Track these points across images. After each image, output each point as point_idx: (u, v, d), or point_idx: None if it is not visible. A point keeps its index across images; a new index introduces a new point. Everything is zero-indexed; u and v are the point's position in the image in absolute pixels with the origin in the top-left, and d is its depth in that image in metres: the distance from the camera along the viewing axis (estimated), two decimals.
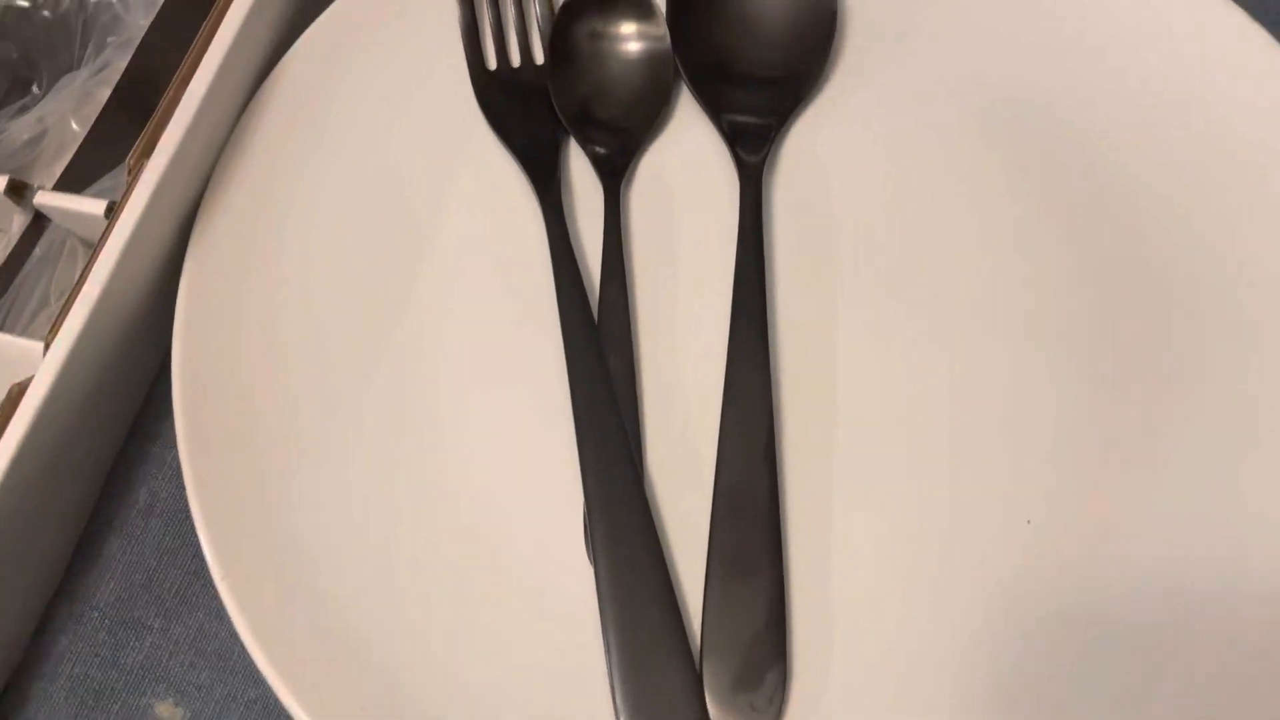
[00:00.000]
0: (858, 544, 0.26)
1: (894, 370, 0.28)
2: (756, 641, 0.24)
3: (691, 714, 0.23)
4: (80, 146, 0.30)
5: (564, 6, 0.32)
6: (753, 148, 0.30)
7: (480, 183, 0.31)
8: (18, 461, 0.24)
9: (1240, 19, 0.31)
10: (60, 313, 0.26)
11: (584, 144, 0.31)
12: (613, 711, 0.23)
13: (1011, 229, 0.30)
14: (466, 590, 0.26)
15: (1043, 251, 0.29)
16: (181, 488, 0.28)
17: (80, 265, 0.29)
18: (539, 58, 0.33)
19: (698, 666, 0.24)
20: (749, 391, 0.26)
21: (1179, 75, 0.31)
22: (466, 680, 0.25)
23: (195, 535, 0.27)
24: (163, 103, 0.28)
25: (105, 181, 0.29)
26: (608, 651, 0.24)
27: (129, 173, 0.27)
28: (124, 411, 0.29)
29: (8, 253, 0.28)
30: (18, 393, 0.25)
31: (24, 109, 0.31)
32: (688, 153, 0.31)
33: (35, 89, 0.31)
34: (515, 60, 0.33)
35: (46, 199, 0.28)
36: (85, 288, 0.26)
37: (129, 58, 0.32)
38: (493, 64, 0.32)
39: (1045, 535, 0.26)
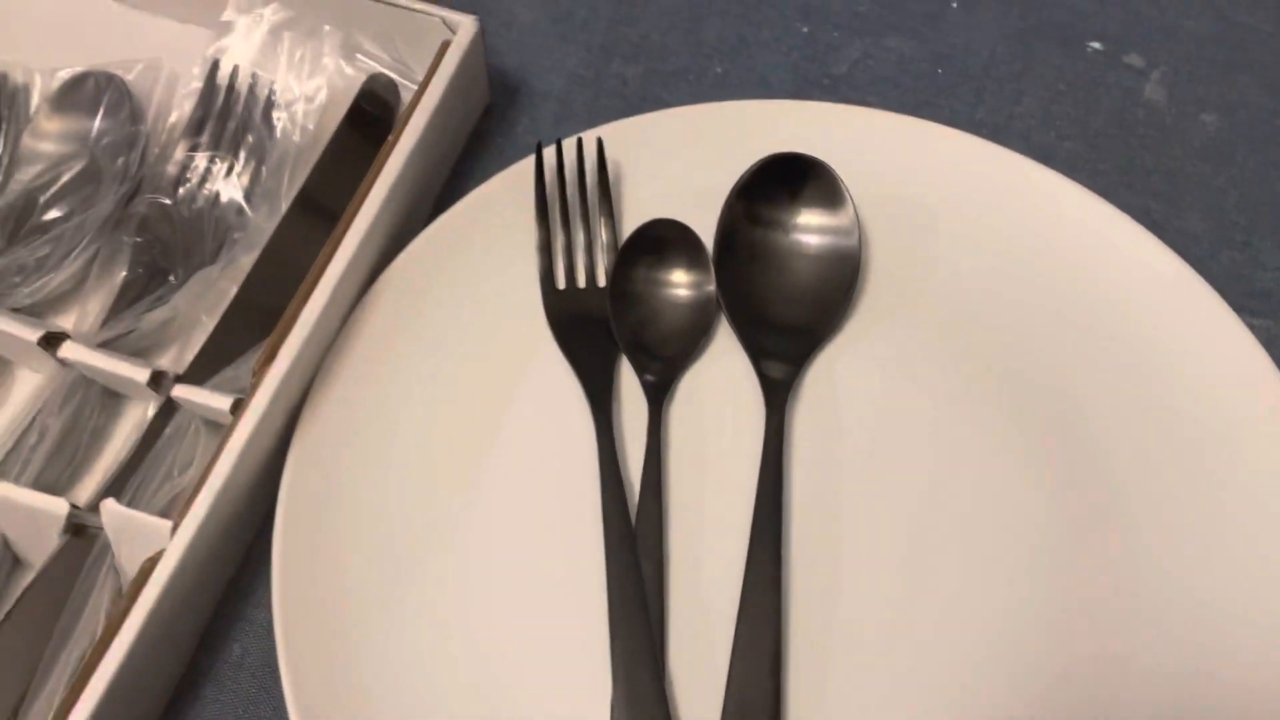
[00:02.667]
0: None
1: (895, 587, 0.33)
2: None
3: None
4: (207, 340, 0.36)
5: (624, 247, 0.37)
6: (780, 380, 0.35)
7: (546, 388, 0.36)
8: (145, 626, 0.29)
9: (1223, 315, 0.36)
10: (189, 498, 0.31)
11: (637, 369, 0.36)
12: None
13: (994, 453, 0.35)
14: None
15: (1024, 475, 0.34)
16: (268, 645, 0.33)
17: (201, 443, 0.34)
18: (601, 281, 0.38)
19: None
20: (761, 610, 0.31)
21: (1151, 346, 0.36)
22: None
23: (276, 688, 0.32)
24: (285, 316, 0.33)
25: (227, 371, 0.35)
26: None
27: (254, 375, 0.33)
28: (225, 574, 0.34)
29: (142, 434, 0.34)
30: (149, 566, 0.30)
31: (160, 299, 0.36)
32: (723, 377, 0.36)
33: (171, 279, 0.37)
34: (581, 281, 0.38)
35: (182, 392, 0.33)
36: (210, 478, 0.31)
37: (253, 256, 0.37)
38: (561, 283, 0.38)
39: None
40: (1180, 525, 0.33)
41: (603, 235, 0.38)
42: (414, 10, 0.40)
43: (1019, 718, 0.31)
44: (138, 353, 0.36)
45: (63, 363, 0.34)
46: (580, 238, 0.38)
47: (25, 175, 0.38)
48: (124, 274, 0.37)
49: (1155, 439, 0.35)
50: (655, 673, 0.30)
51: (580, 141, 0.39)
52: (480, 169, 0.43)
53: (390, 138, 0.37)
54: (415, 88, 0.42)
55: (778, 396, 0.35)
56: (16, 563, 0.33)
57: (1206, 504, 0.34)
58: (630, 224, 0.39)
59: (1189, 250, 0.40)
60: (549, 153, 0.39)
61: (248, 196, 0.39)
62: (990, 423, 0.35)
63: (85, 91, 0.39)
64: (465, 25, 0.40)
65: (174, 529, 0.30)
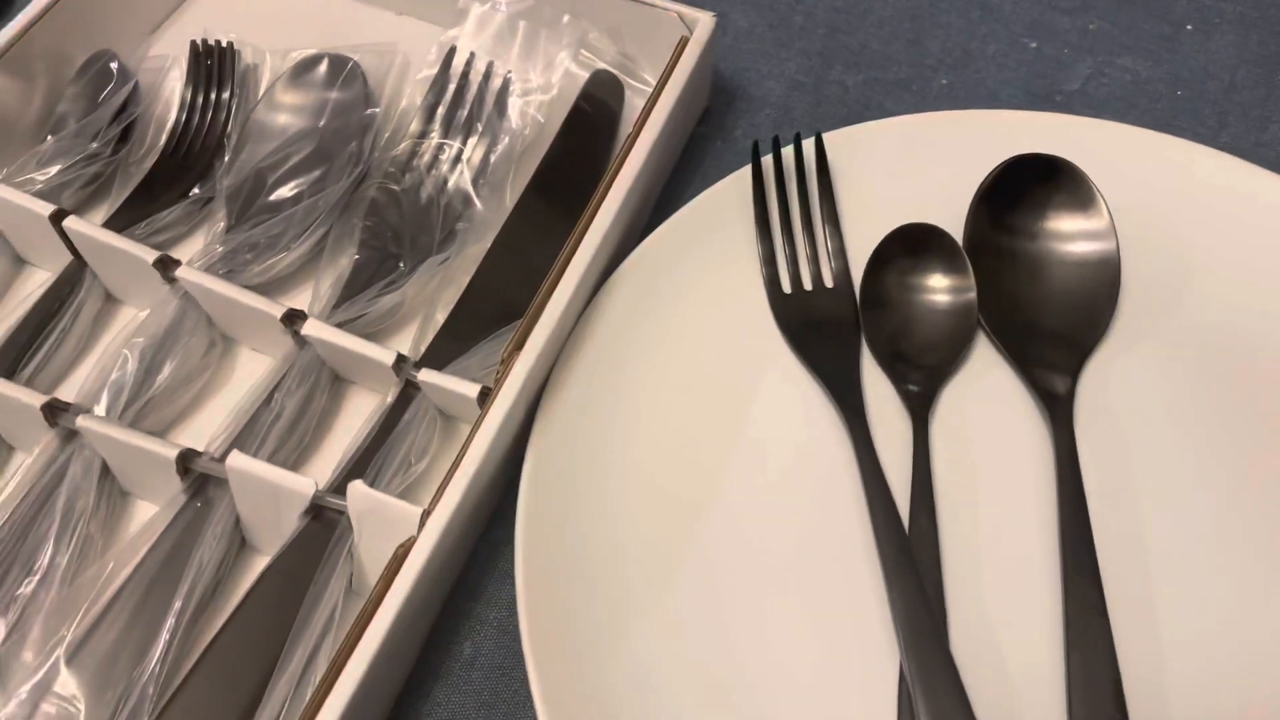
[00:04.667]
0: None
1: (1214, 600, 0.31)
2: None
3: None
4: (442, 327, 0.35)
5: (876, 250, 0.36)
6: (1057, 394, 0.33)
7: (785, 393, 0.34)
8: (399, 616, 0.28)
9: None
10: (442, 484, 0.29)
11: (895, 380, 0.34)
12: None
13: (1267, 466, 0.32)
14: None
15: None
16: (501, 646, 0.31)
17: (436, 434, 0.33)
18: (828, 283, 0.36)
19: None
20: (1092, 634, 0.29)
21: None
22: None
23: (510, 689, 0.31)
24: (533, 307, 0.32)
25: (462, 362, 0.33)
26: None
27: (502, 364, 0.31)
28: (458, 565, 0.32)
29: (381, 418, 0.33)
30: (403, 552, 0.29)
31: (392, 284, 0.35)
32: (988, 390, 0.34)
33: (400, 264, 0.36)
34: (808, 284, 0.36)
35: (428, 377, 0.32)
36: (463, 465, 0.30)
37: (480, 246, 0.36)
38: (787, 287, 0.36)
39: None
40: None
41: (827, 239, 0.37)
42: (652, 5, 0.39)
43: None
44: (366, 338, 0.35)
45: (301, 341, 0.33)
46: (804, 244, 0.37)
47: (254, 154, 0.38)
48: (355, 256, 0.36)
49: None
50: (962, 696, 0.28)
51: (798, 140, 0.38)
52: (699, 172, 0.41)
53: (632, 132, 0.36)
54: (638, 85, 0.41)
55: (1061, 410, 0.33)
56: (244, 544, 0.32)
57: None
58: (860, 232, 0.37)
59: None
60: (768, 160, 0.38)
61: (475, 185, 0.38)
62: (1267, 434, 0.33)
63: (318, 73, 0.39)
64: (703, 21, 0.39)
65: (425, 515, 0.29)
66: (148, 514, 0.32)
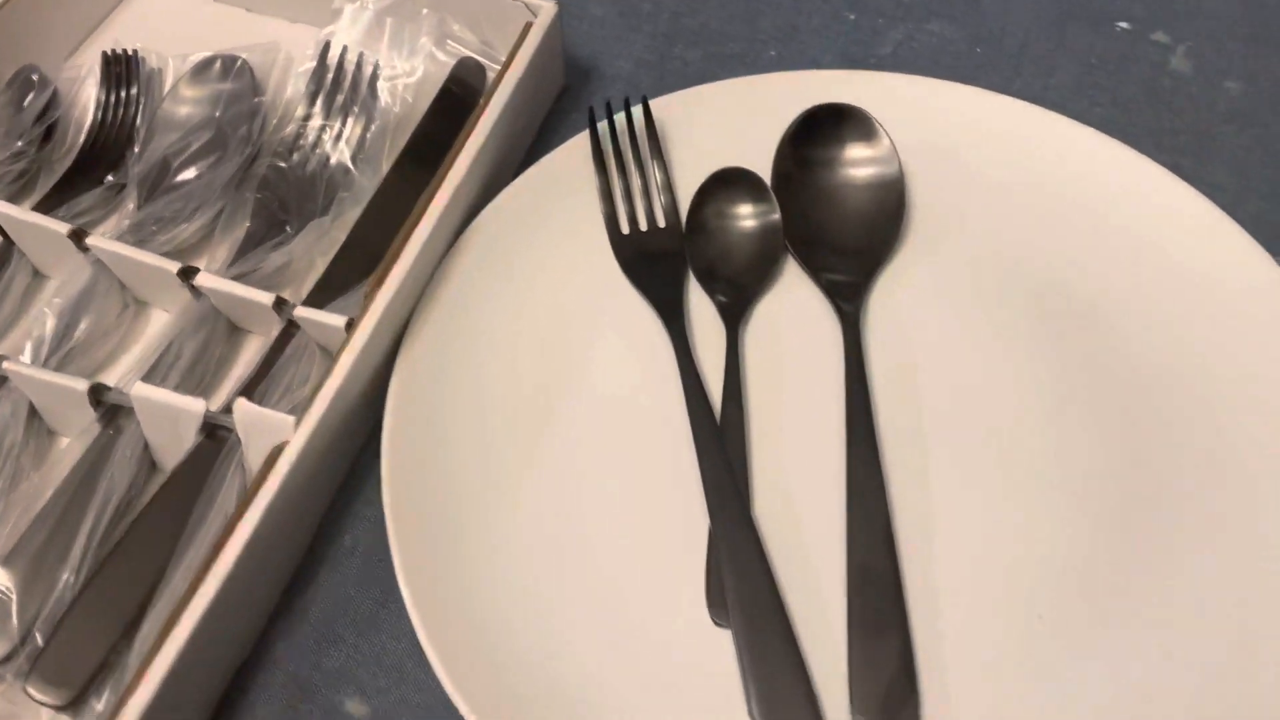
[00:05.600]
0: (954, 606, 0.34)
1: (977, 465, 0.36)
2: (893, 680, 0.31)
3: None
4: (321, 276, 0.40)
5: (698, 191, 0.41)
6: (848, 300, 0.39)
7: (623, 313, 0.40)
8: (274, 504, 0.33)
9: (1242, 240, 0.39)
10: (310, 396, 0.35)
11: (711, 294, 0.40)
12: None
13: (1026, 361, 0.38)
14: (604, 621, 0.34)
15: (1062, 386, 0.38)
16: (377, 538, 0.37)
17: (317, 365, 0.39)
18: (661, 223, 0.42)
19: (850, 703, 0.31)
20: (869, 489, 0.35)
21: (1186, 270, 0.39)
22: (607, 694, 0.32)
23: (385, 571, 0.36)
24: (393, 249, 0.38)
25: (339, 303, 0.39)
26: (747, 687, 0.32)
27: (365, 297, 0.37)
28: (339, 472, 0.38)
29: (266, 352, 0.38)
30: (277, 452, 0.34)
31: (279, 244, 0.41)
32: (794, 304, 0.40)
33: (288, 229, 0.42)
34: (643, 225, 0.42)
35: (302, 313, 0.38)
36: (330, 378, 0.35)
37: (359, 210, 0.42)
38: (625, 228, 0.42)
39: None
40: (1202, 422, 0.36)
41: (657, 176, 0.43)
42: None
43: (1087, 558, 0.34)
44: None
45: (196, 293, 0.39)
46: (637, 183, 0.42)
47: (161, 144, 0.43)
48: (247, 225, 0.41)
49: (1175, 346, 0.38)
50: (762, 555, 0.34)
51: (627, 105, 0.43)
52: (558, 142, 0.47)
53: (481, 101, 0.42)
54: (499, 68, 0.47)
55: (850, 313, 0.39)
56: (154, 468, 0.38)
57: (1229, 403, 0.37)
58: (690, 181, 0.43)
59: (1215, 198, 0.42)
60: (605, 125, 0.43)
61: (354, 160, 0.43)
62: (1034, 332, 0.39)
63: (213, 71, 0.45)
64: (545, 9, 0.45)
65: (297, 423, 0.34)
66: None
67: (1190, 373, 0.38)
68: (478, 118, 0.41)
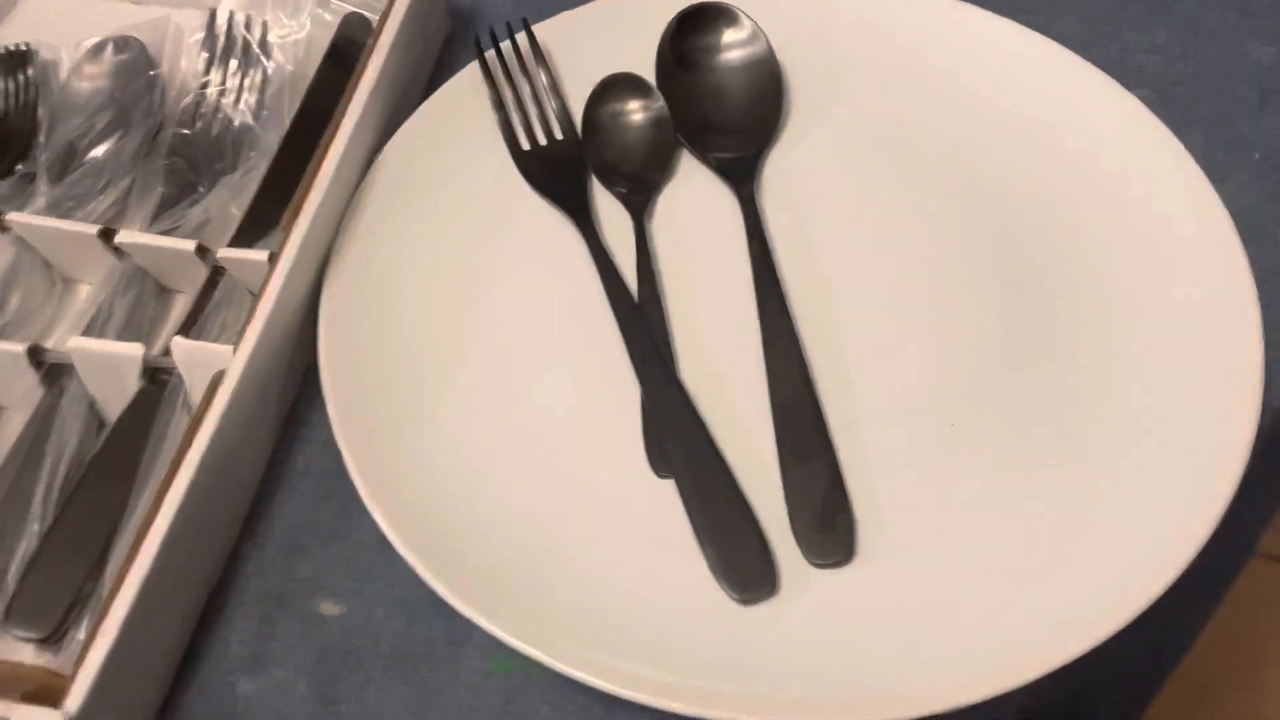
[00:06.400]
0: (872, 427, 0.36)
1: (875, 306, 0.39)
2: (826, 499, 0.34)
3: (760, 559, 0.33)
4: (240, 222, 0.42)
5: (590, 96, 0.44)
6: (742, 179, 0.42)
7: (538, 223, 0.42)
8: (220, 429, 0.34)
9: (1094, 75, 0.42)
10: (244, 324, 0.36)
11: (612, 189, 0.42)
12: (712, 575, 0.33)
13: (909, 216, 0.41)
14: (554, 489, 0.36)
15: (945, 226, 0.41)
16: (327, 456, 0.38)
17: (246, 309, 0.40)
18: (558, 134, 0.44)
19: (791, 527, 0.34)
20: (782, 336, 0.37)
21: (1037, 107, 0.42)
22: (563, 552, 0.34)
23: (341, 488, 0.37)
24: (304, 181, 0.39)
25: (260, 245, 0.40)
26: (695, 527, 0.34)
27: (283, 229, 0.39)
28: (283, 401, 0.39)
29: (195, 297, 0.39)
30: (218, 378, 0.35)
31: (194, 202, 0.42)
32: (693, 193, 0.43)
33: (200, 189, 0.43)
34: (541, 140, 0.44)
35: (226, 253, 0.39)
36: (259, 306, 0.37)
37: (269, 162, 0.44)
38: (525, 145, 0.44)
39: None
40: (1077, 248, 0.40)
41: (550, 97, 0.45)
42: None
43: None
44: None
45: (119, 253, 0.40)
46: (530, 100, 0.45)
47: (65, 129, 0.44)
48: (160, 190, 0.43)
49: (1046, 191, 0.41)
50: (690, 404, 0.36)
51: (510, 29, 0.46)
52: None
53: (369, 43, 0.43)
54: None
55: (744, 186, 0.41)
56: (102, 425, 0.39)
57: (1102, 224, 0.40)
58: (584, 94, 0.45)
59: (1067, 46, 0.46)
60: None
61: (255, 118, 0.45)
62: (914, 186, 0.42)
63: (106, 53, 0.46)
64: None
65: (235, 349, 0.36)
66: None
67: (1054, 197, 0.41)
68: (367, 57, 0.43)
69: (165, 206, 0.42)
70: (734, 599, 0.33)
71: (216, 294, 0.40)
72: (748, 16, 0.44)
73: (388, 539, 0.36)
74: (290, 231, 0.38)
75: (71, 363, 0.37)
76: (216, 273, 0.40)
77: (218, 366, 0.36)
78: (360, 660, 0.34)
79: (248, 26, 0.46)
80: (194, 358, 0.36)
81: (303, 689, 0.34)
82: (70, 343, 0.37)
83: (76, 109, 0.45)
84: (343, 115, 0.41)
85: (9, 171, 0.44)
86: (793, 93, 0.45)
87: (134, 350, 0.37)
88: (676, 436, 0.36)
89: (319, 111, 0.45)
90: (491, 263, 0.41)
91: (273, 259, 0.38)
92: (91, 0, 0.52)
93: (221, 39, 0.46)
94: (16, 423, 0.38)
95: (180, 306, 0.42)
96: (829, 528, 0.33)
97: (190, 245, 0.39)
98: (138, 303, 0.40)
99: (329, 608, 0.35)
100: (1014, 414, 0.36)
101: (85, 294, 0.43)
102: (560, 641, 0.32)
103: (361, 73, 0.42)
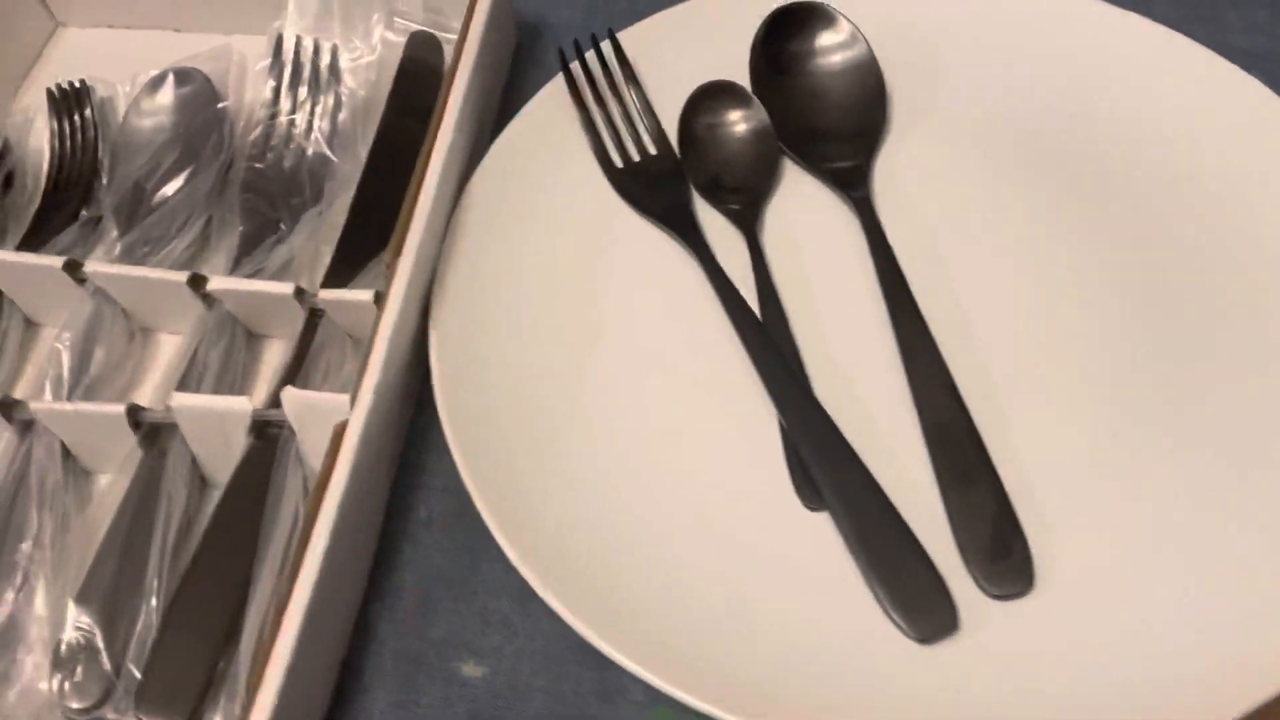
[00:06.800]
0: (1028, 443, 0.34)
1: (1011, 319, 0.37)
2: (996, 525, 0.32)
3: (938, 595, 0.31)
4: (331, 260, 0.39)
5: (685, 107, 0.42)
6: (854, 186, 0.40)
7: (639, 243, 0.40)
8: (348, 487, 0.32)
9: (1204, 54, 0.40)
10: (360, 371, 0.34)
11: (722, 205, 0.40)
12: (884, 613, 0.31)
13: (1032, 212, 0.40)
14: (696, 527, 0.34)
15: (1076, 222, 0.39)
16: (450, 504, 0.36)
17: (348, 351, 0.38)
18: (651, 149, 0.42)
19: (961, 557, 0.32)
20: (922, 352, 0.35)
21: (1155, 91, 0.41)
22: (714, 596, 0.32)
23: (469, 537, 0.36)
24: (402, 216, 0.37)
25: (356, 282, 0.38)
26: (861, 562, 0.32)
27: (386, 268, 0.36)
28: (397, 447, 0.37)
29: (296, 343, 0.37)
30: (340, 432, 0.33)
31: (279, 241, 0.40)
32: (801, 202, 0.41)
33: (281, 225, 0.41)
34: (635, 156, 0.42)
35: (326, 295, 0.37)
36: (374, 351, 0.34)
37: (349, 195, 0.41)
38: (619, 162, 0.42)
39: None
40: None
41: (638, 109, 0.43)
42: None
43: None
44: None
45: (209, 301, 0.38)
46: (620, 119, 0.42)
47: (129, 168, 0.42)
48: (240, 229, 0.40)
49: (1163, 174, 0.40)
50: (838, 433, 0.34)
51: (595, 41, 0.43)
52: (522, 99, 0.46)
53: (449, 67, 0.41)
54: (450, 35, 0.46)
55: (860, 195, 0.39)
56: (204, 484, 0.37)
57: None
58: (671, 111, 0.43)
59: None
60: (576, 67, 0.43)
61: (330, 146, 0.42)
62: (1034, 178, 0.40)
63: (167, 86, 0.44)
64: None
65: (353, 399, 0.34)
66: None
67: (1191, 190, 0.39)
68: (452, 79, 0.41)
69: (246, 246, 0.40)
70: (913, 638, 0.31)
71: (317, 338, 0.37)
72: (844, 16, 0.42)
73: (522, 590, 0.34)
74: (394, 270, 0.36)
75: (173, 421, 0.35)
76: (314, 315, 0.38)
77: (332, 417, 0.34)
78: None
79: (317, 51, 0.44)
80: (306, 409, 0.34)
81: None
82: (173, 400, 0.34)
83: (139, 147, 0.43)
84: (433, 143, 0.39)
85: (74, 216, 0.42)
86: (890, 90, 0.43)
87: (242, 405, 0.34)
88: (826, 467, 0.34)
89: (397, 137, 0.43)
90: (601, 286, 0.39)
91: (378, 299, 0.36)
92: (131, 31, 0.50)
93: (289, 65, 0.44)
94: (120, 482, 0.35)
95: (272, 351, 0.40)
96: (1004, 555, 0.32)
97: (288, 289, 0.37)
98: (230, 351, 0.38)
99: (471, 668, 0.33)
100: (1177, 419, 0.35)
101: (165, 343, 0.40)
102: (727, 691, 0.30)
103: (446, 98, 0.40)
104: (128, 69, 0.46)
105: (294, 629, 0.30)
